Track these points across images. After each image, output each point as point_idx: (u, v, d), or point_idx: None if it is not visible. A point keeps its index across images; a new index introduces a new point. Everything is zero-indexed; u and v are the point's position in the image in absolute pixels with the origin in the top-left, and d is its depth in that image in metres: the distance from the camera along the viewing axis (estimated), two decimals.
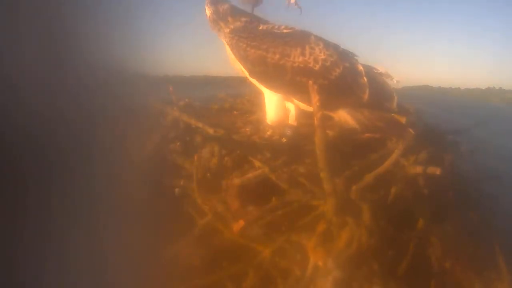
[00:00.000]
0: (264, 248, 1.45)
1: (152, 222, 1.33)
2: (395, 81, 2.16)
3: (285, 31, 2.12)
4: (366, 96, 2.01)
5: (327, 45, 2.05)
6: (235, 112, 3.03)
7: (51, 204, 0.98)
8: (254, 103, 2.88)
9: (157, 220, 1.39)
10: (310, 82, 1.89)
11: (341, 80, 1.99)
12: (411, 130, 1.80)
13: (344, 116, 2.12)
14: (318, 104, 1.45)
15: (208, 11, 2.21)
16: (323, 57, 1.99)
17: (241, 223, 1.46)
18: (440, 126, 2.84)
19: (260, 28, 2.16)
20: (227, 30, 2.20)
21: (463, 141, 2.77)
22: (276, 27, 2.16)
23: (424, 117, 2.96)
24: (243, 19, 2.20)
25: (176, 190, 1.73)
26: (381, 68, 2.16)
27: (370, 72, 2.10)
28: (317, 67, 1.98)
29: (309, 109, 2.15)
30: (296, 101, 2.19)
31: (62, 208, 1.00)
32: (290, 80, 2.03)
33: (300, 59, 1.99)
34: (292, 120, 2.25)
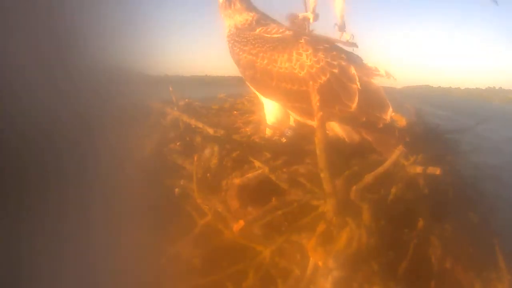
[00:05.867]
0: (264, 248, 1.46)
1: (152, 222, 1.34)
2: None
3: (275, 35, 2.06)
4: (354, 105, 1.87)
5: (316, 50, 1.94)
6: (235, 112, 3.04)
7: (52, 204, 0.98)
8: (254, 103, 2.89)
9: (157, 220, 1.39)
10: (311, 82, 1.89)
11: (327, 88, 1.88)
12: (402, 148, 1.66)
13: (332, 125, 2.03)
14: (318, 104, 1.44)
15: None
16: (309, 63, 1.92)
17: (241, 223, 1.46)
18: (440, 126, 2.84)
19: (256, 31, 2.14)
20: (230, 23, 2.21)
21: (463, 140, 2.77)
22: (269, 30, 2.12)
23: (424, 116, 2.96)
24: (251, 14, 2.20)
25: (176, 190, 1.74)
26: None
27: (363, 78, 1.94)
28: (302, 73, 1.92)
29: (298, 118, 2.13)
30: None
31: (63, 208, 1.01)
32: (275, 86, 2.00)
33: (287, 65, 1.95)
34: (292, 120, 2.25)
